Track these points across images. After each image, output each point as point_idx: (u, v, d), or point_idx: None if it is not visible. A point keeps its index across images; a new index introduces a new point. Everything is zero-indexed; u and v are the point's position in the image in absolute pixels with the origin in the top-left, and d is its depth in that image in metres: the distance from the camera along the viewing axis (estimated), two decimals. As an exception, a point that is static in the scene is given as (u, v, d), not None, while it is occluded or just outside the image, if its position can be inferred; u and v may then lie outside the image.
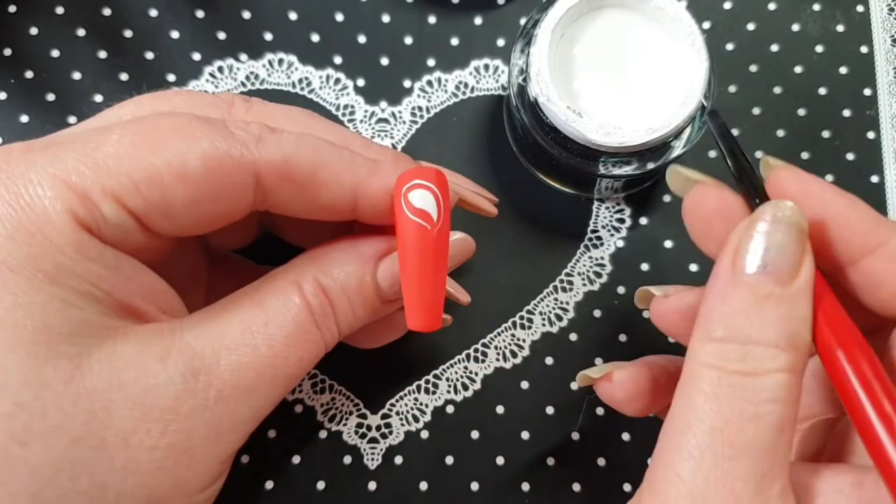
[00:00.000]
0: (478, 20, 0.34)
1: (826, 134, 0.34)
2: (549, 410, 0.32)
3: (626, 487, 0.31)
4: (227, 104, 0.25)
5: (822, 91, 0.34)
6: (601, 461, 0.31)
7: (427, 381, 0.32)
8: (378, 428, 0.32)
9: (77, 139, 0.20)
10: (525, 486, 0.31)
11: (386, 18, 0.34)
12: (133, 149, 0.20)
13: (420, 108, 0.34)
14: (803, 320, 0.19)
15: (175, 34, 0.34)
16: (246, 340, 0.21)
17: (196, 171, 0.20)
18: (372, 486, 0.31)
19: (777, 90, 0.34)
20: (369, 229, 0.24)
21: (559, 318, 0.33)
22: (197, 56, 0.34)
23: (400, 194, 0.22)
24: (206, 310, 0.22)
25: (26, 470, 0.18)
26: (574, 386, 0.32)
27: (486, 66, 0.34)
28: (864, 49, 0.34)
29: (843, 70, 0.34)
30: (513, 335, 0.32)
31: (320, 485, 0.31)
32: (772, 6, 0.34)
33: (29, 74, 0.33)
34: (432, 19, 0.34)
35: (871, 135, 0.33)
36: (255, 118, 0.24)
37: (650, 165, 0.28)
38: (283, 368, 0.22)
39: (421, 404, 0.32)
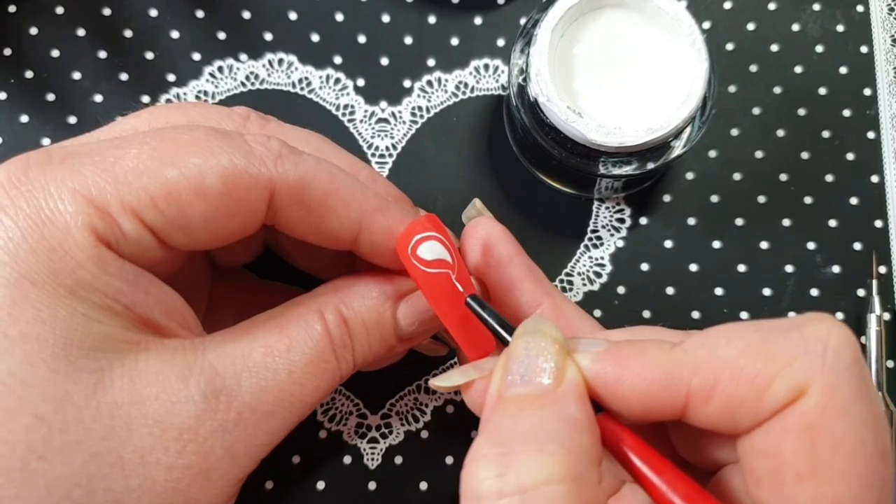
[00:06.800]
0: (478, 20, 0.34)
1: (826, 134, 0.34)
2: (549, 410, 0.32)
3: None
4: (243, 118, 0.25)
5: (822, 91, 0.34)
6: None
7: (427, 381, 0.32)
8: (378, 428, 0.32)
9: (95, 152, 0.20)
10: (525, 486, 0.31)
11: (386, 18, 0.34)
12: (152, 163, 0.20)
13: (420, 108, 0.34)
14: (575, 421, 0.18)
15: (175, 34, 0.34)
16: (268, 364, 0.21)
17: (214, 187, 0.20)
18: (372, 486, 0.31)
19: (777, 90, 0.34)
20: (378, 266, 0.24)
21: (559, 318, 0.33)
22: (197, 56, 0.34)
23: (407, 256, 0.23)
24: (228, 330, 0.22)
25: (43, 483, 0.18)
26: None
27: (486, 66, 0.34)
28: (864, 49, 0.34)
29: (843, 70, 0.34)
30: (513, 335, 0.32)
31: (320, 485, 0.31)
32: (772, 6, 0.34)
33: (29, 74, 0.33)
34: (432, 19, 0.34)
35: (871, 135, 0.33)
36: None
37: (650, 165, 0.28)
38: (301, 395, 0.22)
39: (421, 404, 0.32)
